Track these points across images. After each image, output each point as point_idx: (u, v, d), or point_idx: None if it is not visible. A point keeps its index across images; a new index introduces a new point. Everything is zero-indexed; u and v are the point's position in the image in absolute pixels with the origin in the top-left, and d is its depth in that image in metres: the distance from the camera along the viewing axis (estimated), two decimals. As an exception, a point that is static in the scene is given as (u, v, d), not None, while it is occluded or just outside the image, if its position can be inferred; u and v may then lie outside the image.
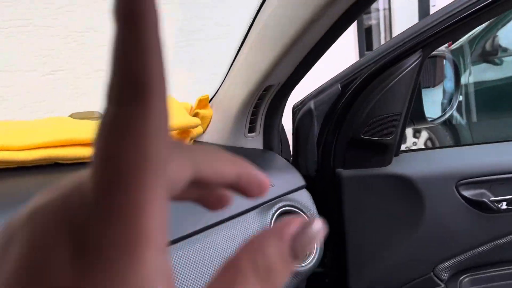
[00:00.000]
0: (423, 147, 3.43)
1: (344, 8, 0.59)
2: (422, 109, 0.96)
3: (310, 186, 1.00)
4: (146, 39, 0.13)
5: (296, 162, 1.00)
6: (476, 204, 0.87)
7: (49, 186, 0.15)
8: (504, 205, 0.86)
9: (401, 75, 0.84)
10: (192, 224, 0.64)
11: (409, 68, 0.83)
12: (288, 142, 1.07)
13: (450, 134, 3.27)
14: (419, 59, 0.84)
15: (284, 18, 0.62)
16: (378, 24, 6.21)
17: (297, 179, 0.83)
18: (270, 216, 0.72)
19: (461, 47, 3.30)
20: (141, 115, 0.13)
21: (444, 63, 1.10)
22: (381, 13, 6.20)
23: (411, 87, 0.86)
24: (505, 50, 3.17)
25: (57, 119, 0.85)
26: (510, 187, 0.86)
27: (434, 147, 1.06)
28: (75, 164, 0.72)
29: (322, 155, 0.96)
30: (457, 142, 3.22)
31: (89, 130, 0.76)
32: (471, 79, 3.20)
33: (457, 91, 1.08)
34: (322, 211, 1.00)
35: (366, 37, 5.94)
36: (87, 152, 0.71)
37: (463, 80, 3.18)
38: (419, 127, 1.01)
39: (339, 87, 0.92)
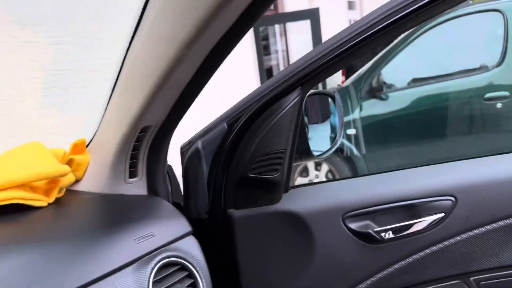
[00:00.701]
0: (325, 179, 3.59)
1: (210, 47, 0.57)
2: (308, 145, 0.98)
3: (202, 229, 0.95)
4: None
5: (188, 205, 0.95)
6: (362, 236, 0.89)
7: None
8: (387, 235, 0.89)
9: (282, 112, 0.84)
10: (59, 284, 0.55)
11: (289, 106, 0.84)
12: (179, 185, 1.01)
13: (348, 165, 3.48)
14: (298, 96, 0.85)
15: (150, 57, 0.59)
16: (278, 64, 6.55)
17: (182, 226, 0.78)
18: (149, 270, 0.65)
19: (352, 85, 3.58)
20: None
21: (329, 100, 1.14)
22: (280, 54, 6.56)
23: (294, 124, 0.86)
24: (389, 86, 3.49)
25: None
26: (392, 216, 0.90)
27: (322, 181, 1.09)
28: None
29: (212, 196, 0.92)
30: (355, 172, 3.42)
31: None
32: (362, 114, 3.45)
33: (341, 126, 1.12)
34: (216, 254, 0.96)
35: (267, 77, 6.21)
36: None
37: (356, 115, 3.43)
38: (306, 162, 1.03)
39: (225, 125, 0.90)
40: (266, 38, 6.71)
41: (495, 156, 0.96)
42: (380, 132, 3.41)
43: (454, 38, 3.33)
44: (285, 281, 0.91)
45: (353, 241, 0.90)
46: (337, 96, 1.13)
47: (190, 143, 0.94)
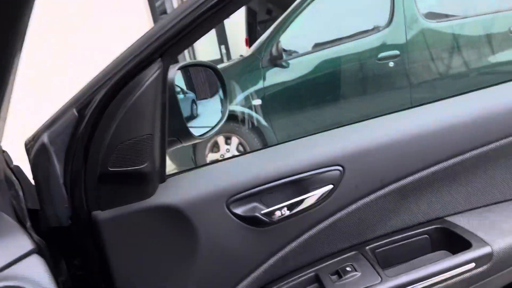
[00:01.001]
0: (236, 153, 3.53)
1: None
2: (185, 125, 0.85)
3: (66, 238, 0.80)
4: None
5: (44, 212, 0.78)
6: (250, 220, 0.80)
7: None
8: (276, 216, 0.81)
9: (141, 90, 0.71)
10: None
11: (149, 81, 0.71)
12: (33, 188, 0.84)
13: (257, 136, 3.44)
14: (160, 69, 0.72)
15: None
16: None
17: (20, 245, 0.62)
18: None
19: (253, 54, 3.50)
20: None
21: (212, 72, 1.02)
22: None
23: (159, 103, 0.73)
24: (289, 53, 3.46)
25: None
26: (280, 194, 0.82)
27: (204, 165, 0.98)
28: None
29: (72, 198, 0.77)
30: (264, 143, 3.40)
31: None
32: (266, 84, 3.41)
33: (225, 100, 1.01)
34: (86, 263, 0.81)
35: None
36: None
37: (260, 85, 3.37)
38: (187, 144, 0.91)
39: (75, 112, 0.74)
40: (164, 12, 6.38)
41: (377, 118, 0.92)
42: (285, 100, 3.40)
43: (348, 1, 3.38)
44: (168, 283, 0.80)
45: (240, 228, 0.80)
46: (217, 69, 1.02)
47: (35, 137, 0.76)
